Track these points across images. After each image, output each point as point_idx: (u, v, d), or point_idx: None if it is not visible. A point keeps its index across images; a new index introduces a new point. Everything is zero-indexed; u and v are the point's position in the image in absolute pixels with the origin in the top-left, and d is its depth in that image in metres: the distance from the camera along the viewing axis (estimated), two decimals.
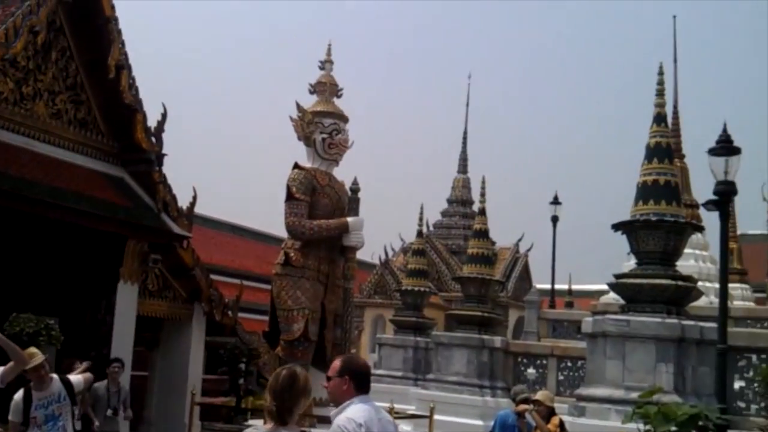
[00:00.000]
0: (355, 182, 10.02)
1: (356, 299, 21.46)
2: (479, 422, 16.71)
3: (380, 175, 60.05)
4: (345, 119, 10.37)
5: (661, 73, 14.34)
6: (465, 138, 33.57)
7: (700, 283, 14.72)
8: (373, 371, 21.93)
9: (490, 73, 73.12)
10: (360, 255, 11.17)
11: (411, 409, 16.81)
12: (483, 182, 19.82)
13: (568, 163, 70.26)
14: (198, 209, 16.91)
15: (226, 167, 62.86)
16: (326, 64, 10.62)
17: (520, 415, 8.86)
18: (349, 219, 9.73)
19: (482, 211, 19.74)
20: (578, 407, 13.18)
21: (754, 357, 12.64)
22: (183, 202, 15.91)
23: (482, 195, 19.79)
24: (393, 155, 74.00)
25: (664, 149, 13.75)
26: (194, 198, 16.14)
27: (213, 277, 18.11)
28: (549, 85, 78.04)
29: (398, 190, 62.41)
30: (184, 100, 51.88)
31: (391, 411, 10.86)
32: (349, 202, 9.96)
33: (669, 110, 18.49)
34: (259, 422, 5.43)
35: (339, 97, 10.57)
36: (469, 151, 33.73)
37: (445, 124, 69.48)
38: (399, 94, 76.30)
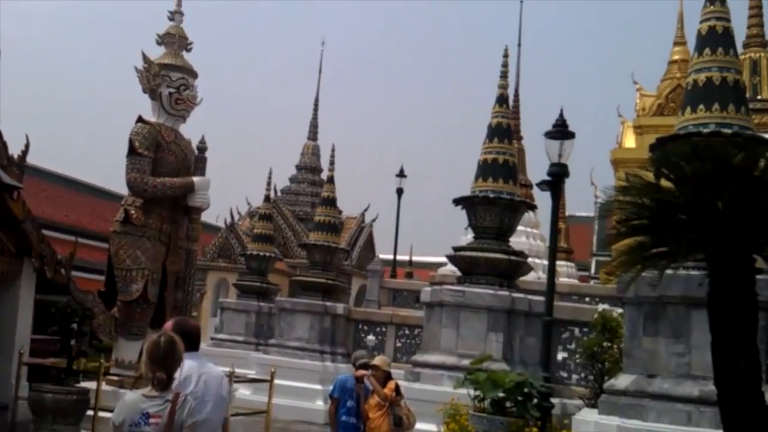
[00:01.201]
0: (202, 141, 9.80)
1: (199, 262, 21.02)
2: (319, 386, 16.99)
3: (229, 136, 58.84)
4: (194, 74, 10.07)
5: (505, 55, 14.97)
6: (317, 105, 33.49)
7: (530, 259, 15.62)
8: (214, 335, 21.66)
9: (344, 41, 73.26)
10: (205, 216, 10.99)
11: (252, 373, 16.80)
12: (333, 150, 19.95)
13: (416, 137, 71.91)
14: (31, 159, 15.87)
15: (63, 118, 59.30)
16: (176, 15, 10.22)
17: (358, 379, 9.07)
18: (195, 178, 9.53)
19: (330, 179, 19.89)
20: (414, 373, 13.69)
21: (576, 330, 13.60)
22: (15, 151, 14.86)
23: (331, 163, 19.93)
24: (244, 117, 72.68)
25: (505, 129, 14.42)
26: (26, 146, 15.10)
27: (45, 232, 17.10)
28: (401, 60, 79.24)
29: (247, 152, 61.48)
30: (24, 45, 48.30)
31: (231, 375, 10.81)
32: (195, 161, 9.74)
33: (511, 93, 19.38)
34: (92, 385, 5.31)
35: (189, 50, 10.24)
36: (320, 119, 33.73)
37: (298, 89, 68.99)
38: (253, 55, 74.83)
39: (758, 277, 7.23)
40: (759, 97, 14.65)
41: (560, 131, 11.19)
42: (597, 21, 74.91)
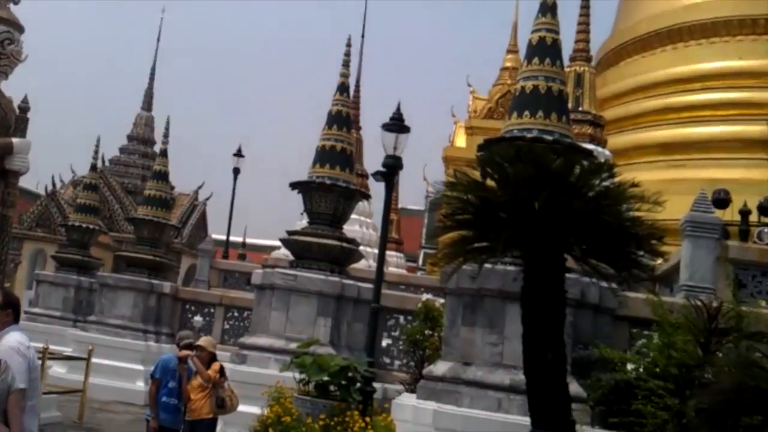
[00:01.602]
0: (25, 100, 9.17)
1: (15, 230, 19.71)
2: (140, 367, 16.50)
3: (56, 98, 55.30)
4: (20, 29, 9.41)
5: (348, 45, 15.19)
6: (153, 74, 32.24)
7: (362, 248, 15.95)
8: (28, 309, 20.39)
9: (186, 13, 70.86)
10: (23, 181, 10.29)
11: (68, 351, 16.05)
12: (167, 123, 19.37)
13: (257, 117, 70.97)
14: None
15: None
16: None
17: (181, 360, 8.94)
18: (15, 140, 8.90)
19: (164, 153, 19.30)
20: (240, 355, 13.63)
21: (401, 318, 14.07)
22: None
23: (165, 136, 19.34)
24: (72, 80, 68.48)
25: (344, 118, 14.65)
26: None
27: None
28: (247, 38, 77.84)
29: (75, 117, 58.06)
30: None
31: (45, 352, 10.28)
32: (16, 121, 9.10)
33: (354, 83, 19.68)
34: None
35: (16, 3, 9.55)
36: (156, 89, 32.52)
37: (136, 56, 66.04)
38: (92, 13, 70.68)
39: (567, 275, 7.85)
40: (581, 109, 15.74)
41: (397, 124, 11.51)
42: (442, 23, 77.29)
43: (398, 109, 11.75)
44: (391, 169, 11.75)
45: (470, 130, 22.66)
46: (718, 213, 11.97)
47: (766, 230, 12.24)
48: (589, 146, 14.23)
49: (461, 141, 24.27)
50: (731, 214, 13.23)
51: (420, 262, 30.33)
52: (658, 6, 21.85)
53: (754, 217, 13.49)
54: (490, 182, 7.11)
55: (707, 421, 6.89)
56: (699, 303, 8.23)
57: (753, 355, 7.15)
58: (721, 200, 12.81)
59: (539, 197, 6.44)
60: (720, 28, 20.46)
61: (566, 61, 15.93)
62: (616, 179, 7.44)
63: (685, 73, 20.33)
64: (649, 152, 19.75)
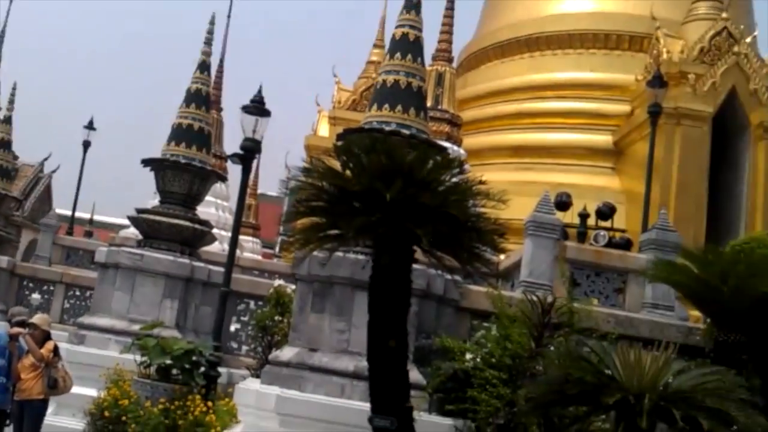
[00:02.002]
0: None
1: None
2: None
3: None
4: None
5: (212, 23, 14.84)
6: (1, 37, 30.10)
7: (217, 231, 15.64)
8: None
9: None
10: None
11: None
12: (14, 89, 18.27)
13: (112, 90, 67.85)
14: None
15: None
16: None
17: (12, 337, 8.47)
18: None
19: (8, 120, 18.22)
20: (78, 335, 13.05)
21: (252, 303, 13.91)
22: None
23: (11, 102, 18.25)
24: None
25: (203, 97, 14.30)
26: None
27: None
28: (106, 6, 74.29)
29: None
30: None
31: None
32: None
33: (216, 63, 19.26)
34: None
35: None
36: (2, 53, 30.35)
37: None
38: None
39: (415, 266, 8.07)
40: (440, 107, 16.21)
41: (257, 107, 11.38)
42: (315, 12, 76.90)
43: (259, 91, 11.62)
44: (249, 152, 11.61)
45: (333, 120, 22.70)
46: (560, 215, 12.66)
47: (602, 233, 13.08)
48: (446, 144, 14.67)
49: (324, 130, 24.27)
50: (571, 217, 14.05)
51: (277, 248, 30.13)
52: (520, 15, 22.76)
53: (592, 221, 14.40)
54: (345, 171, 7.19)
55: (536, 409, 7.30)
56: (535, 298, 8.68)
57: (581, 349, 7.61)
58: (563, 203, 13.56)
59: (391, 189, 6.57)
60: (576, 40, 21.59)
61: (429, 60, 16.38)
62: (466, 176, 7.72)
63: (541, 81, 21.30)
64: (503, 154, 20.56)
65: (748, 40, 18.87)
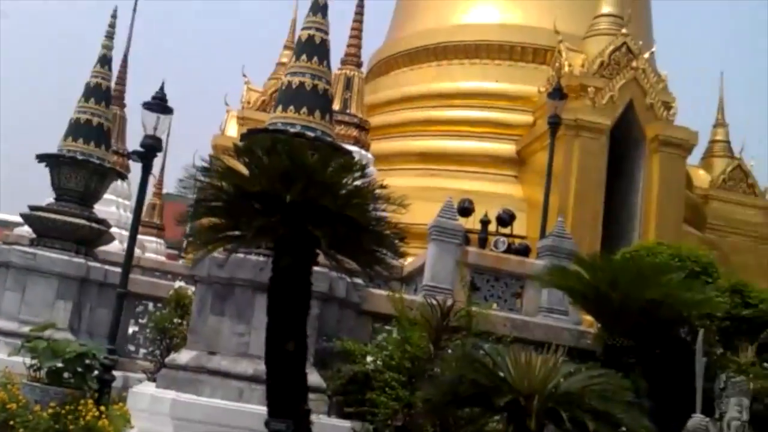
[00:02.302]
0: None
1: None
2: None
3: None
4: None
5: (114, 16, 14.41)
6: None
7: (117, 230, 15.20)
8: None
9: None
10: None
11: None
12: None
13: (11, 83, 64.90)
14: None
15: None
16: None
17: None
18: None
19: None
20: None
21: (151, 305, 13.57)
22: None
23: None
24: None
25: (103, 92, 13.85)
26: None
27: None
28: None
29: None
30: None
31: None
32: None
33: (119, 58, 18.67)
34: None
35: None
36: None
37: None
38: None
39: (317, 269, 8.05)
40: (348, 112, 16.20)
41: (159, 104, 11.12)
42: (228, 11, 75.59)
43: (162, 88, 11.37)
44: (150, 149, 11.32)
45: (242, 121, 22.42)
46: (462, 221, 12.88)
47: (501, 239, 13.39)
48: (353, 148, 14.72)
49: (233, 130, 23.93)
50: (473, 223, 14.31)
51: (183, 249, 29.44)
52: (429, 23, 23.08)
53: (493, 227, 14.72)
54: (246, 171, 7.09)
55: (431, 411, 7.40)
56: (435, 302, 8.80)
57: (477, 352, 7.76)
58: (466, 209, 13.81)
59: (291, 190, 6.53)
60: (482, 51, 22.07)
61: (337, 64, 16.40)
62: (369, 180, 7.75)
63: (448, 90, 21.65)
64: (410, 160, 20.78)
65: (647, 55, 19.72)
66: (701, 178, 22.45)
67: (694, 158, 22.12)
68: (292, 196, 6.46)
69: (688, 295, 8.13)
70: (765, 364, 8.92)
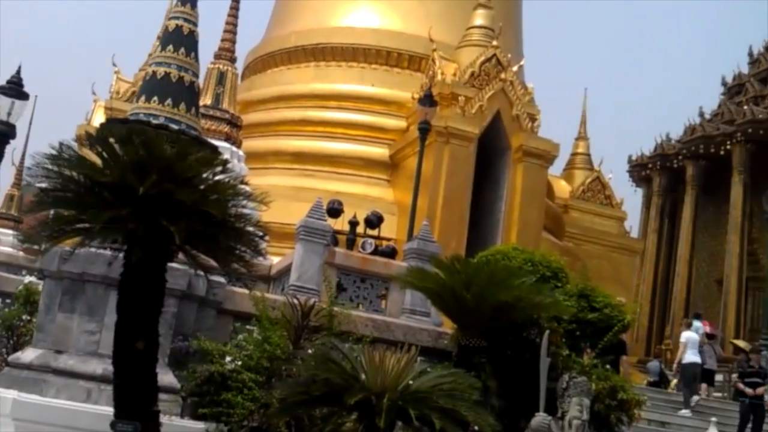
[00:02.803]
0: None
1: None
2: None
3: None
4: None
5: None
6: None
7: None
8: None
9: None
10: None
11: None
12: None
13: None
14: None
15: None
16: None
17: None
18: None
19: None
20: None
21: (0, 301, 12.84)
22: None
23: None
24: None
25: None
26: None
27: None
28: None
29: None
30: None
31: None
32: None
33: None
34: None
35: None
36: None
37: None
38: None
39: (177, 266, 7.84)
40: (220, 107, 15.86)
41: (15, 89, 10.53)
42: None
43: (18, 72, 10.77)
44: (3, 136, 10.70)
45: (110, 111, 21.55)
46: (331, 222, 12.91)
47: (369, 241, 13.52)
48: (223, 144, 14.46)
49: (100, 121, 23.00)
50: (342, 224, 14.39)
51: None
52: (308, 23, 23.04)
53: (362, 229, 14.84)
54: (99, 162, 6.81)
55: (285, 410, 7.35)
56: (296, 301, 8.76)
57: (334, 352, 7.78)
58: (335, 210, 13.85)
59: (145, 182, 6.32)
60: (360, 54, 22.25)
61: (211, 58, 16.05)
62: (230, 175, 7.61)
63: (325, 91, 21.70)
64: (285, 159, 20.67)
65: (515, 68, 20.48)
66: (562, 188, 23.53)
67: (557, 169, 23.25)
68: (145, 188, 6.24)
69: (538, 299, 8.47)
70: (607, 366, 9.43)
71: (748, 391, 12.81)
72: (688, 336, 15.41)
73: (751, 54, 33.77)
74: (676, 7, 71.00)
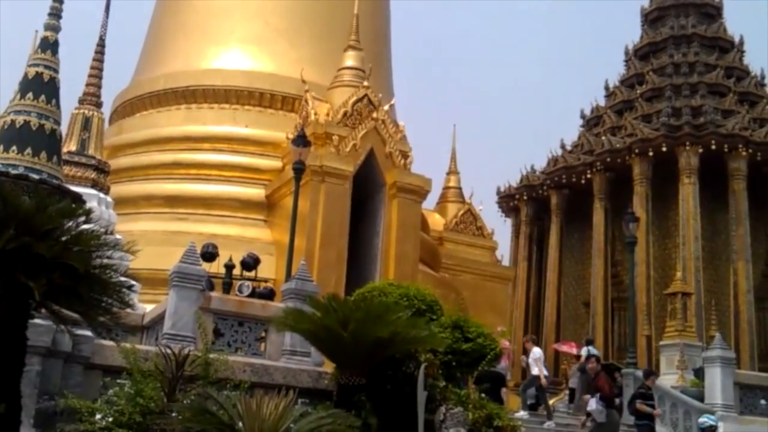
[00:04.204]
0: None
1: None
2: None
3: None
4: None
5: None
6: None
7: None
8: None
9: None
10: None
11: None
12: None
13: None
14: None
15: None
16: None
17: None
18: None
19: None
20: None
21: None
22: None
23: None
24: None
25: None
26: None
27: None
28: None
29: None
30: None
31: None
32: None
33: None
34: None
35: None
36: None
37: None
38: None
39: (39, 321, 7.50)
40: (86, 152, 15.37)
41: None
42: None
43: None
44: None
45: None
46: (207, 266, 12.69)
47: (246, 284, 13.36)
48: (90, 191, 14.02)
49: None
50: (218, 268, 14.17)
51: None
52: (178, 66, 22.78)
53: (238, 271, 14.67)
54: None
55: None
56: (169, 351, 8.53)
57: (210, 402, 7.61)
58: (210, 254, 13.64)
59: (1, 237, 6.07)
60: (232, 96, 22.17)
61: (75, 104, 15.58)
62: (94, 225, 7.39)
63: (197, 133, 21.43)
64: (156, 203, 20.19)
65: (386, 107, 20.96)
66: (436, 221, 24.14)
67: (430, 203, 23.84)
68: (1, 243, 5.99)
69: (414, 332, 8.63)
70: (482, 395, 9.69)
71: (656, 412, 13.00)
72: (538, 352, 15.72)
73: (607, 87, 36.03)
74: (537, 45, 74.87)
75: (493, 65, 76.11)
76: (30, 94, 9.64)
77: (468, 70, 75.60)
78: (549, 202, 33.87)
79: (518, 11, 75.73)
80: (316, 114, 19.78)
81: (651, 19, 36.14)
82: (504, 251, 30.93)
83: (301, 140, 16.29)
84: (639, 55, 35.50)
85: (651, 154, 30.11)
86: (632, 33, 38.77)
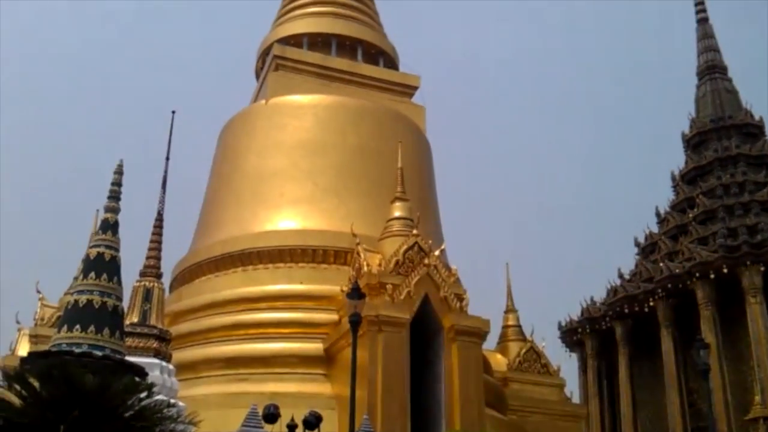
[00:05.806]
0: None
1: None
2: None
3: None
4: None
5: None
6: None
7: None
8: None
9: None
10: None
11: None
12: None
13: None
14: None
15: None
16: None
17: None
18: None
19: None
20: None
21: None
22: None
23: None
24: None
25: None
26: None
27: None
28: None
29: None
30: None
31: None
32: None
33: None
34: None
35: None
36: None
37: None
38: None
39: None
40: (148, 323, 15.81)
41: None
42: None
43: None
44: None
45: (35, 339, 21.12)
46: (269, 427, 12.63)
47: None
48: (154, 360, 14.32)
49: (25, 349, 22.39)
50: (280, 427, 14.03)
51: None
52: (232, 231, 23.64)
53: (300, 430, 14.47)
54: (18, 401, 6.74)
55: None
56: None
57: None
58: (271, 415, 13.55)
59: (67, 419, 6.27)
60: (285, 255, 22.79)
61: (136, 276, 16.19)
62: (156, 399, 7.58)
63: (254, 294, 21.88)
64: (216, 366, 20.36)
65: (437, 252, 21.18)
66: (499, 361, 23.69)
67: (491, 343, 23.50)
68: (66, 425, 6.18)
69: None
70: None
71: None
72: None
73: (658, 214, 35.80)
74: (576, 178, 75.36)
75: (534, 198, 76.45)
76: (92, 274, 10.13)
77: (513, 205, 75.97)
78: (613, 334, 33.00)
79: (558, 149, 76.96)
80: (368, 265, 20.11)
81: (693, 144, 36.35)
82: (572, 387, 29.94)
83: (356, 293, 16.45)
84: (686, 179, 35.49)
85: (712, 276, 29.43)
86: (671, 158, 38.78)
